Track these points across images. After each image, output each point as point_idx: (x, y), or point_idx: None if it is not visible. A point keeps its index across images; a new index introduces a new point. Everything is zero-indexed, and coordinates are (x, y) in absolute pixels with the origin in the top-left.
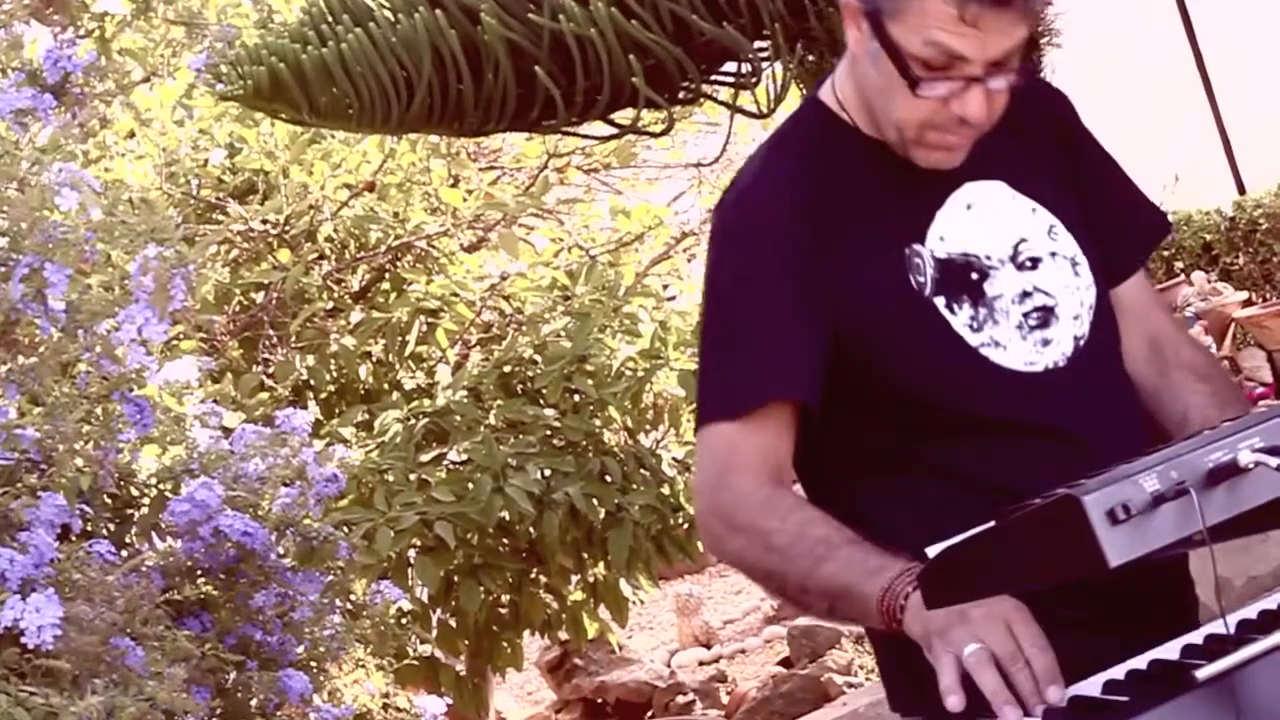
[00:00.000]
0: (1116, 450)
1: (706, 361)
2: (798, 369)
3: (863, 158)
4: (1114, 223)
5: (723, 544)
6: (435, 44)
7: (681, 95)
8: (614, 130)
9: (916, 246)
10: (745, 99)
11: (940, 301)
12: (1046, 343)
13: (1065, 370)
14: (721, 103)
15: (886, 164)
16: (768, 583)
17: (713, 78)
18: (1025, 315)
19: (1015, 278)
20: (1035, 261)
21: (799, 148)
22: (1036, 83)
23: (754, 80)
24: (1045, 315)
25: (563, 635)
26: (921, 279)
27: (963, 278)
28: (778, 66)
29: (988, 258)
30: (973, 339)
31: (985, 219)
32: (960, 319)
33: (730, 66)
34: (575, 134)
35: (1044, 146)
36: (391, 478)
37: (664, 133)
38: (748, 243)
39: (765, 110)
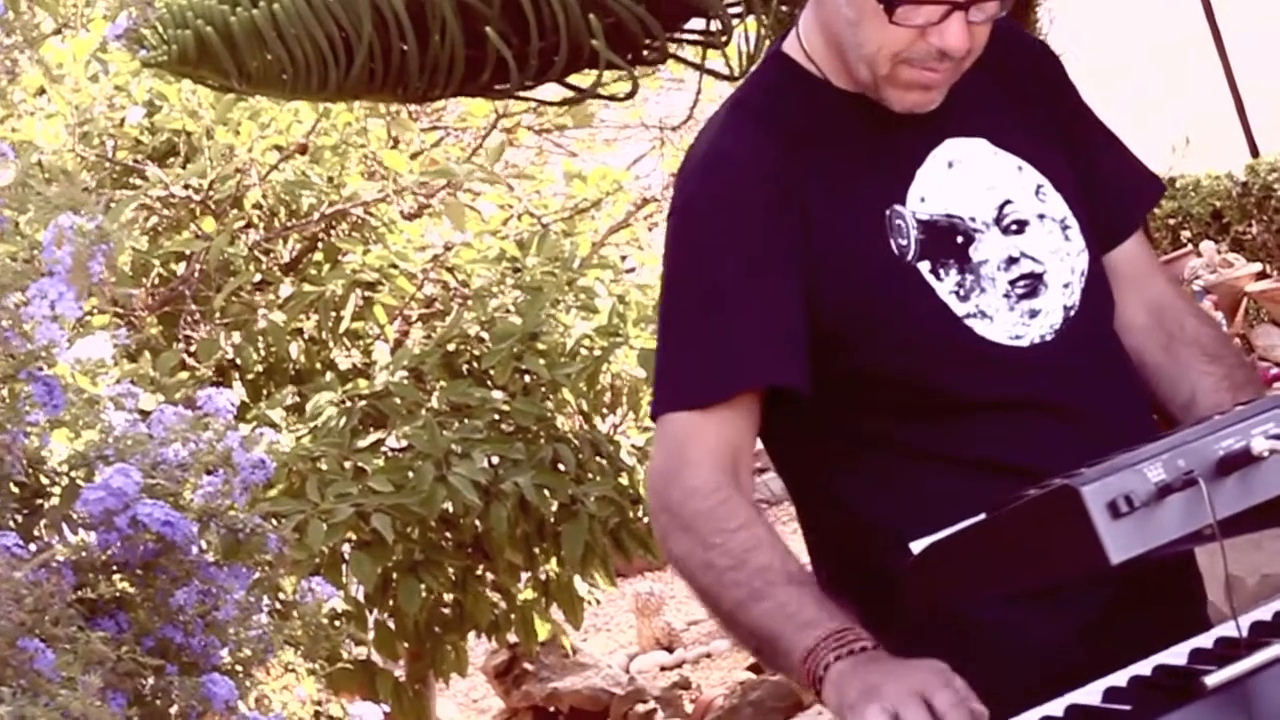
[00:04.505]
0: (1115, 427)
1: (668, 345)
2: (774, 352)
3: (835, 113)
4: (1107, 183)
5: (669, 542)
6: (376, 2)
7: (645, 55)
8: (571, 94)
9: (897, 208)
10: (714, 57)
11: (924, 267)
12: (1034, 314)
13: (1054, 344)
14: (689, 63)
15: (861, 119)
16: (702, 599)
17: (679, 35)
18: (1012, 283)
19: (1001, 242)
20: (1022, 224)
21: (762, 106)
22: (1020, 35)
23: (724, 39)
24: (1033, 283)
25: (511, 638)
26: (904, 242)
27: (948, 241)
28: (751, 22)
29: (972, 219)
30: (959, 308)
31: (968, 178)
32: (946, 285)
33: (698, 23)
34: (530, 99)
35: (1030, 102)
36: (325, 465)
37: (628, 97)
38: (711, 214)
39: (737, 72)
